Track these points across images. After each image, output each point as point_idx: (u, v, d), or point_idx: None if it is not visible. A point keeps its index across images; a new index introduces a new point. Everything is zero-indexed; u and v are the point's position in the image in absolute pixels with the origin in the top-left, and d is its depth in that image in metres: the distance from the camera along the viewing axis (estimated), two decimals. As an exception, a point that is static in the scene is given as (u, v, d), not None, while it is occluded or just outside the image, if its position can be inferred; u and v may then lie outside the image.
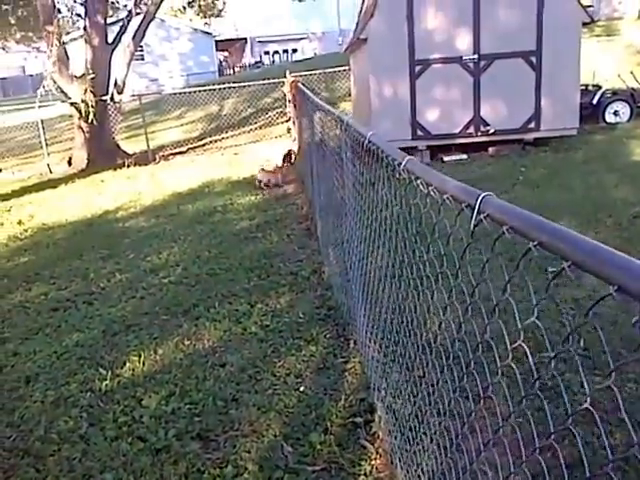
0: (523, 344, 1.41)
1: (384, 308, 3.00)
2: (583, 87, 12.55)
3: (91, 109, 14.77)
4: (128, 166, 14.77)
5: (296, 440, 3.43)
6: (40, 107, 16.13)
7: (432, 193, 1.87)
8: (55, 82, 15.02)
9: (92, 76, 15.02)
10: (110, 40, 15.80)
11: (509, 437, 1.65)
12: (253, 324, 5.01)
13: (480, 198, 1.49)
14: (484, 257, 1.55)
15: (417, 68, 10.73)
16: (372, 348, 3.61)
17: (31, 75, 52.09)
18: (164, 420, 3.73)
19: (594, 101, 12.98)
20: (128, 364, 4.52)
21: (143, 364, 4.49)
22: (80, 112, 15.11)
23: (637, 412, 3.18)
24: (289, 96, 14.33)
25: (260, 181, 10.60)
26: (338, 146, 4.27)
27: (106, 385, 4.24)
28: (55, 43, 14.60)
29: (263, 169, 10.95)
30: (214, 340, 4.80)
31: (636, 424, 3.03)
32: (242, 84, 18.51)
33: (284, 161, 11.60)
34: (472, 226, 1.51)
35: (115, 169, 14.56)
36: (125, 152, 16.18)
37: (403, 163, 2.22)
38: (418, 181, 2.03)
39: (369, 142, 2.95)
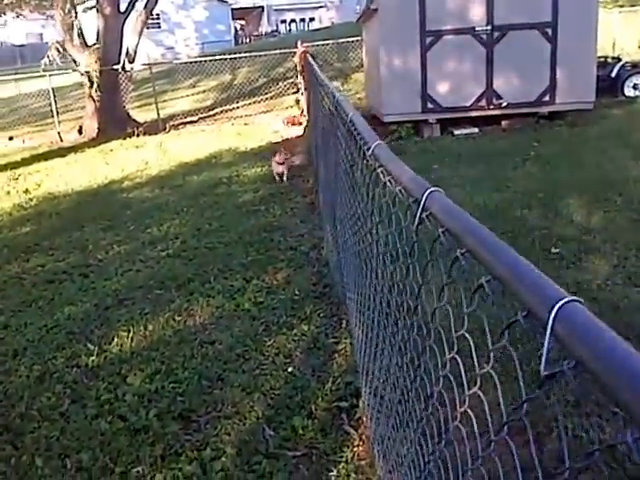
0: (456, 355, 1.29)
1: (366, 289, 2.89)
2: (602, 59, 12.20)
3: (95, 79, 14.64)
4: (138, 135, 14.67)
5: (279, 424, 3.35)
6: (52, 75, 16.02)
7: (389, 183, 1.74)
8: (59, 52, 14.90)
9: (98, 46, 14.87)
10: (122, 9, 15.61)
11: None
12: (247, 300, 4.91)
13: (426, 194, 1.35)
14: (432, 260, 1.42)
15: (428, 39, 10.42)
16: (360, 329, 3.51)
17: (47, 43, 51.93)
18: (147, 399, 3.66)
19: (612, 74, 12.58)
20: (116, 340, 4.45)
21: (132, 340, 4.42)
22: (90, 81, 15.01)
23: None
24: (299, 67, 14.09)
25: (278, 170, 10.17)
26: (333, 122, 4.13)
27: (92, 361, 4.18)
28: (61, 13, 14.44)
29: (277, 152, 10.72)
30: (205, 317, 4.72)
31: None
32: (254, 54, 18.23)
33: (285, 123, 11.40)
34: (415, 225, 1.37)
35: (125, 138, 14.45)
36: (136, 121, 16.06)
37: (371, 148, 2.09)
38: (380, 169, 1.89)
39: (350, 122, 2.82)
